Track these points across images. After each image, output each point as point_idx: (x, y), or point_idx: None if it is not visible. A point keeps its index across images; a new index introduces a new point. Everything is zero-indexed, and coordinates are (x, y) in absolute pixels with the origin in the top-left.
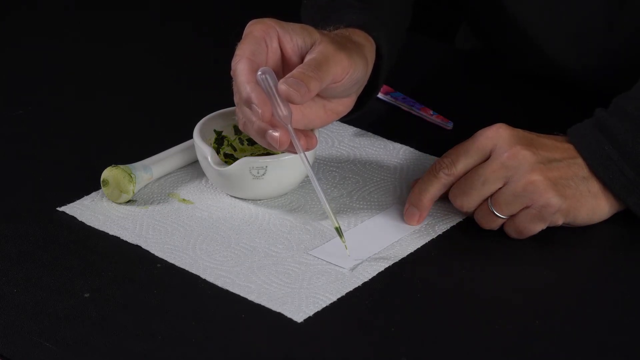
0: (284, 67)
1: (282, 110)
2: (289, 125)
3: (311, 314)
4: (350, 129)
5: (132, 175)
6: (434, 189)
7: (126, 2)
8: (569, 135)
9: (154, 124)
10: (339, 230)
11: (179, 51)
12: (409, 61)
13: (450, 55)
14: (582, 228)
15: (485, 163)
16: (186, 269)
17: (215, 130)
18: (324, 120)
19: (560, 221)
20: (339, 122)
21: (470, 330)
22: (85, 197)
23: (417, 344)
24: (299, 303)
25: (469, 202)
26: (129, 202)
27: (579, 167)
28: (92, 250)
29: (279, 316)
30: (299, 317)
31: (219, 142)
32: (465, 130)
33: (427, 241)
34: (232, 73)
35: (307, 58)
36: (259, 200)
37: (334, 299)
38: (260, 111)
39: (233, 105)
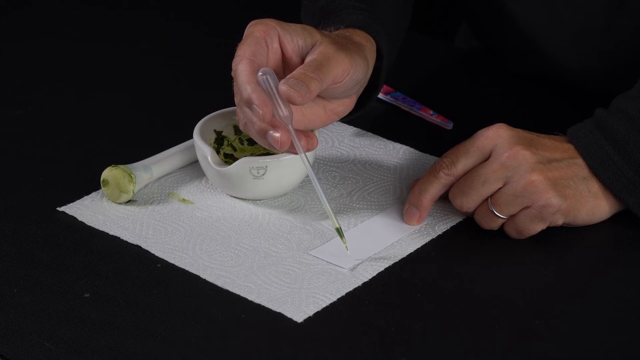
0: (284, 67)
1: (283, 111)
2: (290, 126)
3: (311, 314)
4: (350, 129)
5: (132, 175)
6: (434, 189)
7: (126, 2)
8: (569, 135)
9: (154, 124)
10: (339, 231)
11: (179, 51)
12: (409, 61)
13: (450, 55)
14: (582, 228)
15: (485, 163)
16: (186, 269)
17: (215, 130)
18: (325, 121)
19: (560, 221)
20: (339, 122)
21: (470, 330)
22: (85, 197)
23: (417, 344)
24: (299, 303)
25: (468, 202)
26: (129, 202)
27: (579, 167)
28: (92, 250)
29: (279, 316)
30: (299, 317)
31: (219, 142)
32: (465, 130)
33: (427, 241)
34: (232, 74)
35: (308, 59)
36: (259, 200)
37: (334, 299)
38: (261, 112)
39: (233, 105)
